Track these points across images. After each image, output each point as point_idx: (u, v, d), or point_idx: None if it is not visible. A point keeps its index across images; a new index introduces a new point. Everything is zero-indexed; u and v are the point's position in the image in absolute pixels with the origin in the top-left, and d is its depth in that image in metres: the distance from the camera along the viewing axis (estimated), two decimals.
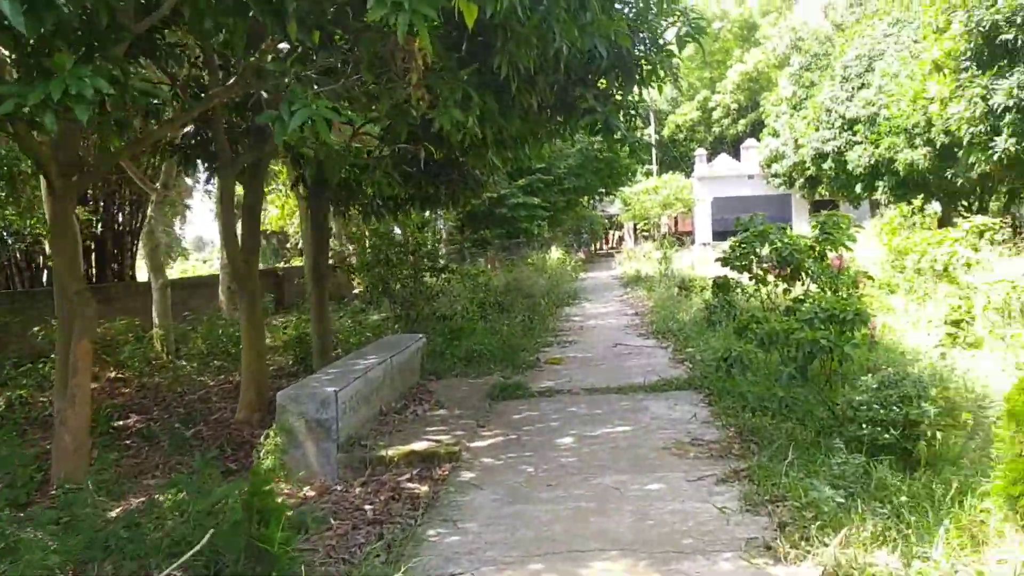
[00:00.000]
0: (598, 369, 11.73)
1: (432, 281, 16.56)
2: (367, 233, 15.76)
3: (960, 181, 25.16)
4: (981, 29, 16.60)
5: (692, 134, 53.72)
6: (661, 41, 9.40)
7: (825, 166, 34.58)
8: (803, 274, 9.58)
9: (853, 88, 32.37)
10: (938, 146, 25.16)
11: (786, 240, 9.64)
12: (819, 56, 39.29)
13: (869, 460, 5.73)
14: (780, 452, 6.49)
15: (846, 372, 7.15)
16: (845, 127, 32.86)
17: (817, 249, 9.99)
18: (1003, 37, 15.90)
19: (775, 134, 43.35)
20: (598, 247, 61.76)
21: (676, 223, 53.42)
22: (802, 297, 9.74)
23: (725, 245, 30.83)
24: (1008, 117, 16.04)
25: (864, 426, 6.14)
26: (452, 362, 12.11)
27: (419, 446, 7.53)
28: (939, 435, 5.79)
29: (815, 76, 38.60)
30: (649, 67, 9.35)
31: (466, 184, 13.65)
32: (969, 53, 17.67)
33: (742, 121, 51.80)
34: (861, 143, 31.26)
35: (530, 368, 12.08)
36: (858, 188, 32.97)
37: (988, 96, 16.43)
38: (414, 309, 15.86)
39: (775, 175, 44.21)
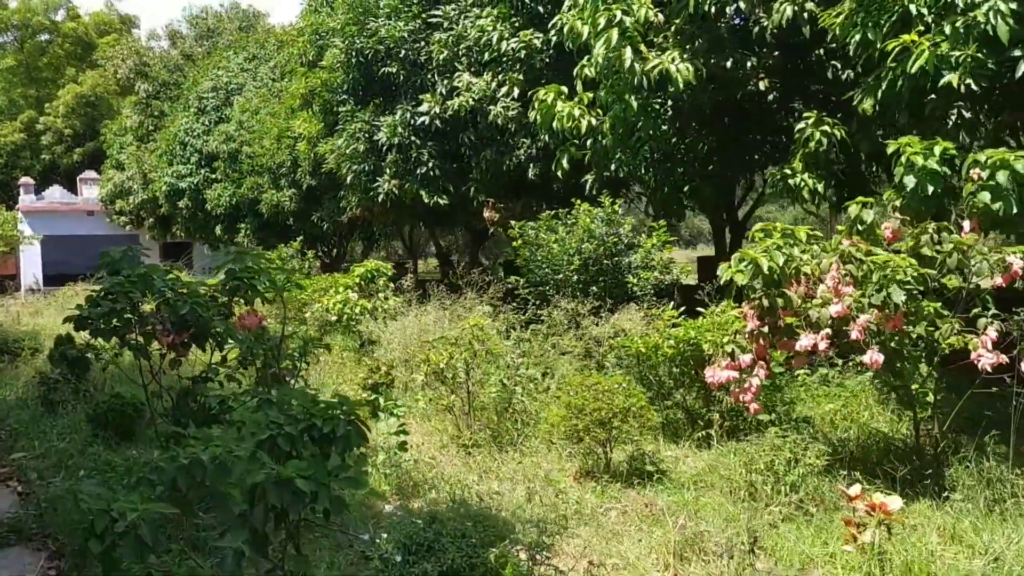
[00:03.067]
0: None
1: None
2: None
3: (325, 225, 24.56)
4: (361, 60, 15.51)
5: (15, 160, 45.06)
6: None
7: (181, 204, 31.37)
8: (212, 339, 6.34)
9: (211, 122, 29.94)
10: (304, 188, 24.14)
11: (181, 289, 6.31)
12: (169, 85, 36.03)
13: None
14: None
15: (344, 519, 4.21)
16: (203, 163, 30.21)
17: (221, 301, 6.87)
18: (385, 70, 14.96)
19: (120, 167, 38.57)
20: None
21: None
22: (206, 375, 6.50)
23: (63, 292, 25.27)
24: (391, 156, 15.14)
25: None
26: None
27: None
28: None
29: (166, 106, 35.23)
30: None
31: None
32: (347, 86, 16.54)
33: (79, 150, 45.24)
34: (222, 181, 28.93)
35: None
36: (218, 229, 30.54)
37: (373, 132, 15.36)
38: None
39: (120, 213, 39.35)
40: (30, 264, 39.56)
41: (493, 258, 25.79)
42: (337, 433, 3.69)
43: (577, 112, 10.36)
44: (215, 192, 29.03)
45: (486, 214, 15.03)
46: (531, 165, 13.89)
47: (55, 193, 41.88)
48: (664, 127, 10.71)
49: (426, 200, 15.12)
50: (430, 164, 14.91)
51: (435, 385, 8.41)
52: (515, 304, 10.75)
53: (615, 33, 9.00)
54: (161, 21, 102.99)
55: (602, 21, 9.09)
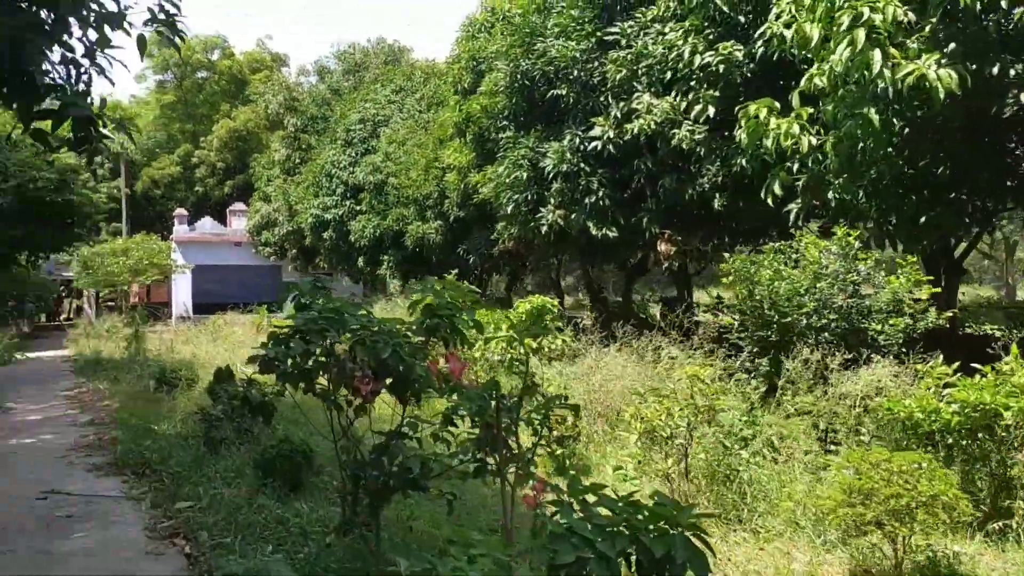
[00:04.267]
0: None
1: None
2: None
3: (472, 258, 23.84)
4: (526, 83, 14.61)
5: (172, 192, 47.08)
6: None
7: (325, 236, 31.54)
8: (412, 389, 5.31)
9: (357, 153, 30.01)
10: (451, 219, 23.57)
11: (377, 328, 5.33)
12: (317, 119, 36.65)
13: None
14: None
15: None
16: (348, 195, 30.28)
17: (415, 342, 5.82)
18: (553, 93, 13.98)
19: (267, 199, 39.53)
20: (48, 319, 50.66)
21: (148, 292, 45.90)
22: (401, 430, 5.46)
23: (212, 320, 25.50)
24: (556, 184, 14.10)
25: None
26: None
27: None
28: None
29: (313, 139, 35.79)
30: None
31: None
32: (507, 112, 15.69)
33: (229, 183, 46.88)
34: (366, 212, 28.84)
35: None
36: (361, 261, 30.48)
37: (537, 160, 14.38)
38: None
39: (265, 244, 40.27)
40: (181, 292, 40.89)
41: (644, 295, 24.43)
42: (675, 558, 2.48)
43: (796, 129, 8.97)
44: (359, 224, 28.97)
45: (661, 247, 13.74)
46: (717, 194, 12.52)
47: (206, 224, 43.34)
48: (898, 146, 9.17)
49: (594, 232, 13.98)
50: (600, 193, 13.78)
51: (645, 444, 7.13)
52: (726, 350, 9.35)
53: (861, 34, 7.60)
54: (309, 58, 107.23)
55: (845, 20, 7.70)
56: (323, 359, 5.28)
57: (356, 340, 5.26)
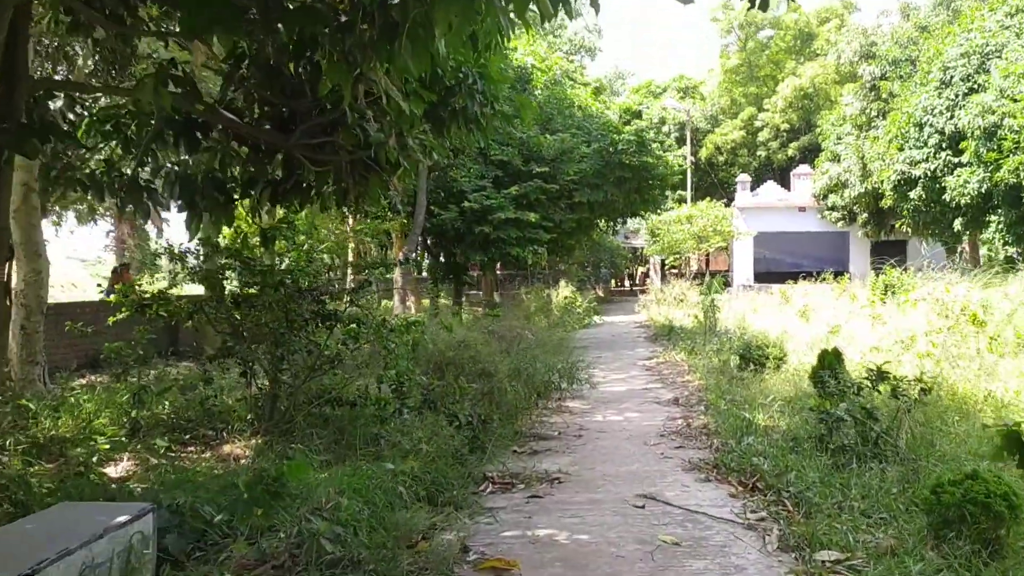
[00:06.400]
0: None
1: (326, 338, 9.18)
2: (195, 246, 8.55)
3: None
4: None
5: (734, 157, 46.10)
6: None
7: (912, 195, 27.10)
8: None
9: (958, 95, 24.97)
10: None
11: None
12: (900, 63, 31.92)
13: None
14: None
15: None
16: (944, 145, 25.45)
17: None
18: None
19: (836, 159, 36.06)
20: (618, 284, 54.31)
21: (707, 260, 45.96)
22: None
23: (780, 289, 23.29)
24: None
25: None
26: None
27: None
28: None
29: (896, 86, 31.22)
30: None
31: (366, 161, 6.68)
32: None
33: (793, 144, 44.22)
34: (969, 165, 23.83)
35: None
36: (957, 224, 25.50)
37: None
38: (283, 386, 8.69)
39: (832, 208, 36.94)
40: (742, 260, 39.79)
41: None
42: None
43: None
44: (959, 179, 24.12)
45: None
46: None
47: (769, 189, 41.55)
48: None
49: None
50: None
51: None
52: None
53: None
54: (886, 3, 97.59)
55: None
56: None
57: None
